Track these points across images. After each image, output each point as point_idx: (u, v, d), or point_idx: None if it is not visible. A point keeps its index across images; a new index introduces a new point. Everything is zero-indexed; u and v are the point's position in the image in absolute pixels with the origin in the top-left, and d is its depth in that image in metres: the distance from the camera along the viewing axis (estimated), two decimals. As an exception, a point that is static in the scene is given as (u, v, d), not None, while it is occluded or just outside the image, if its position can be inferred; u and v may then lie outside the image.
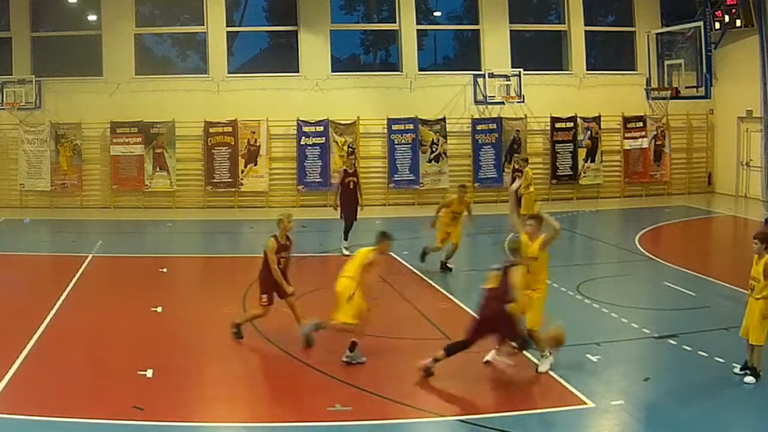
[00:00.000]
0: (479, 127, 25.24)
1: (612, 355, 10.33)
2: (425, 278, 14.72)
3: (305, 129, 24.44)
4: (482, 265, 17.13)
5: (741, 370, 9.32)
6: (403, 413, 8.49)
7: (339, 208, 17.36)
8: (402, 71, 25.31)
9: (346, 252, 16.42)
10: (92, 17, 24.67)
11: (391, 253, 15.83)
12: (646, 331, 11.35)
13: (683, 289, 13.48)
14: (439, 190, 24.96)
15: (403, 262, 15.92)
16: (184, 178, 24.50)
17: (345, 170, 17.47)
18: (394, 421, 8.34)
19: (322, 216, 21.65)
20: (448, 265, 15.43)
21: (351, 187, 17.14)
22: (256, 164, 24.44)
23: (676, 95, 23.97)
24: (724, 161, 26.06)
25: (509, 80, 24.60)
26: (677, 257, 16.38)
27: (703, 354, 10.06)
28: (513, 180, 20.19)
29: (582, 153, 25.59)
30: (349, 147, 24.23)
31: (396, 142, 24.76)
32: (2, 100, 23.47)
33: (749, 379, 9.21)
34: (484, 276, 9.69)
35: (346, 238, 17.09)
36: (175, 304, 13.14)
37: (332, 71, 25.05)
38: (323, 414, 8.43)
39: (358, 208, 17.36)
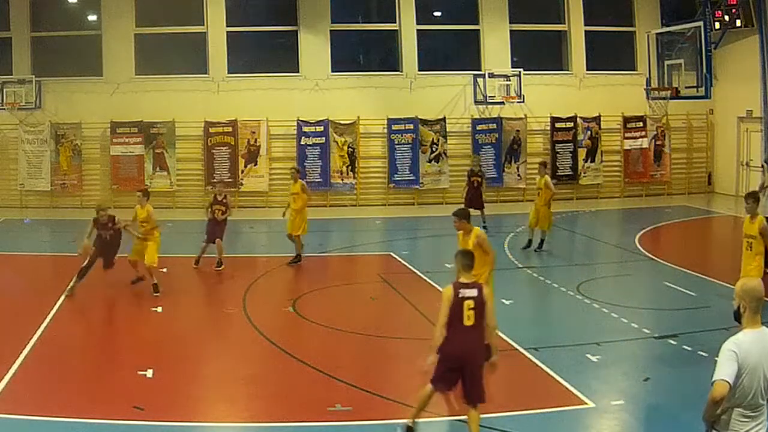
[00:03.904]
0: (479, 127, 25.22)
1: (612, 355, 10.32)
2: (425, 278, 14.70)
3: (305, 129, 24.43)
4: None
5: None
6: (403, 413, 8.47)
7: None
8: (402, 71, 25.28)
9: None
10: (92, 17, 24.64)
11: (392, 254, 15.94)
12: (646, 331, 11.34)
13: (683, 289, 13.47)
14: (439, 190, 24.97)
15: (403, 262, 15.91)
16: (184, 178, 24.48)
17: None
18: (394, 421, 8.32)
19: (323, 216, 21.66)
20: None
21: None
22: (256, 164, 24.42)
23: (676, 95, 23.95)
24: (724, 161, 26.05)
25: (509, 80, 24.56)
26: (677, 257, 16.36)
27: (703, 354, 10.04)
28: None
29: (582, 153, 25.57)
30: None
31: (396, 142, 24.74)
32: (2, 100, 23.42)
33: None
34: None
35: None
36: (175, 304, 13.14)
37: (332, 71, 25.02)
38: (323, 414, 8.42)
39: None
